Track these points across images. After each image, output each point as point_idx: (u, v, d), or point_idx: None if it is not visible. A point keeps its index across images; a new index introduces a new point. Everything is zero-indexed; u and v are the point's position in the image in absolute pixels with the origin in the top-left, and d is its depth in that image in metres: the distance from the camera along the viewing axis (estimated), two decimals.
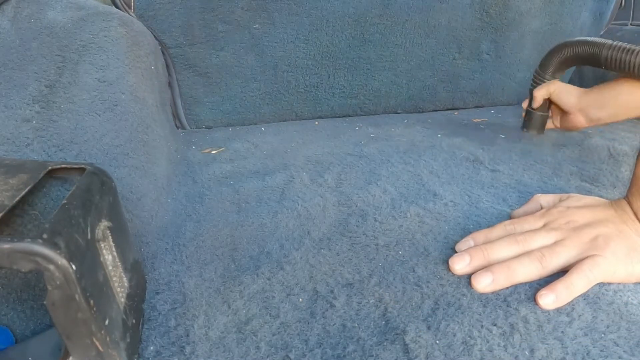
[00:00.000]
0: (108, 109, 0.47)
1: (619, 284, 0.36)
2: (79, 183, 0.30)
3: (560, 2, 0.97)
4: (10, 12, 0.49)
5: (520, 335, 0.31)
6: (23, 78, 0.44)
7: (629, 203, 0.40)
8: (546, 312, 0.33)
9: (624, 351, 0.30)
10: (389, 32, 0.87)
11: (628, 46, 0.60)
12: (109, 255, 0.30)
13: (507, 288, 0.36)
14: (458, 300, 0.35)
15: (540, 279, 0.37)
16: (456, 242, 0.42)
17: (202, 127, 0.87)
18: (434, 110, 1.02)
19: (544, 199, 0.47)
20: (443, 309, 0.34)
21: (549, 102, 0.75)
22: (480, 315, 0.33)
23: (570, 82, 1.09)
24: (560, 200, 0.45)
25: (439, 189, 0.55)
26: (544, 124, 0.78)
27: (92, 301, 0.25)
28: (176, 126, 0.84)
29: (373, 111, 0.97)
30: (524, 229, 0.41)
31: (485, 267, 0.37)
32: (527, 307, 0.34)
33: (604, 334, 0.31)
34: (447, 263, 0.39)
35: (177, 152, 0.69)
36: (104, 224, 0.30)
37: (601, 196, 0.47)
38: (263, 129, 0.85)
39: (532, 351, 0.30)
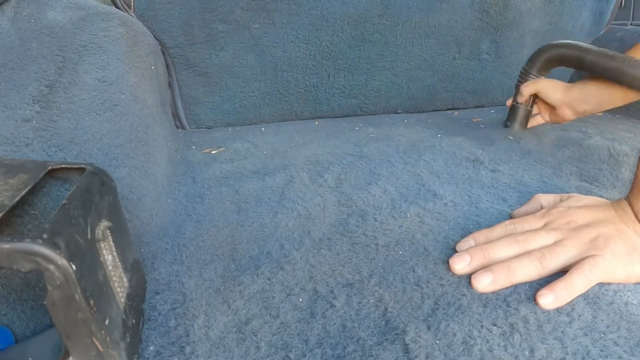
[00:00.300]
0: (108, 109, 0.47)
1: (619, 284, 0.36)
2: (79, 183, 0.30)
3: (560, 2, 0.97)
4: (10, 12, 0.49)
5: (520, 335, 0.31)
6: (23, 78, 0.44)
7: (630, 204, 0.40)
8: (546, 312, 0.33)
9: (624, 351, 0.30)
10: (389, 32, 0.87)
11: (611, 53, 0.64)
12: (109, 255, 0.30)
13: (507, 288, 0.36)
14: (458, 300, 0.35)
15: (540, 279, 0.37)
16: (456, 242, 0.42)
17: (202, 127, 0.87)
18: (434, 110, 1.02)
19: (545, 198, 0.47)
20: (443, 309, 0.34)
21: (533, 98, 0.79)
22: (480, 315, 0.33)
23: (571, 79, 1.09)
24: (561, 200, 0.45)
25: (439, 189, 0.55)
26: (527, 118, 0.81)
27: (92, 301, 0.25)
28: (176, 126, 0.84)
29: (373, 111, 0.97)
30: (524, 229, 0.41)
31: (486, 267, 0.37)
32: (527, 307, 0.34)
33: (604, 334, 0.31)
34: (447, 263, 0.39)
35: (177, 152, 0.69)
36: (104, 224, 0.30)
37: (601, 196, 0.47)
38: (263, 129, 0.85)
39: (532, 351, 0.30)
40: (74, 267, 0.23)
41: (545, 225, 0.41)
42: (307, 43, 0.83)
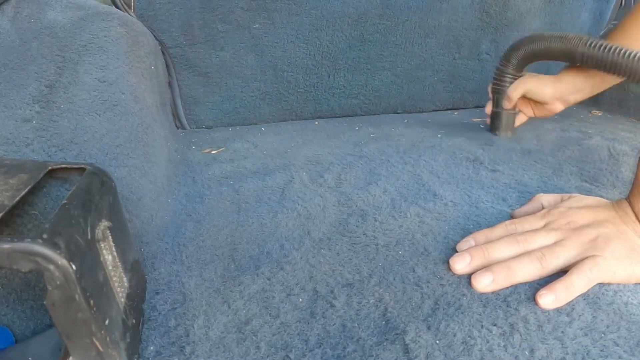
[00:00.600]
0: (108, 109, 0.47)
1: (619, 284, 0.36)
2: (79, 183, 0.30)
3: (560, 2, 0.97)
4: (10, 12, 0.49)
5: (520, 335, 0.31)
6: (23, 78, 0.44)
7: (630, 204, 0.40)
8: (546, 312, 0.33)
9: (624, 351, 0.30)
10: (389, 32, 0.87)
11: (605, 43, 0.57)
12: (109, 255, 0.30)
13: (507, 288, 0.36)
14: (458, 300, 0.35)
15: (540, 279, 0.37)
16: (456, 242, 0.42)
17: (202, 127, 0.87)
18: (434, 110, 1.02)
19: (546, 198, 0.47)
20: (443, 309, 0.34)
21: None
22: (480, 315, 0.33)
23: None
24: (562, 200, 0.45)
25: (439, 189, 0.55)
26: (514, 121, 0.77)
27: (92, 301, 0.25)
28: (176, 126, 0.84)
29: (373, 111, 0.97)
30: (524, 229, 0.41)
31: (486, 267, 0.37)
32: (527, 307, 0.34)
33: (604, 334, 0.31)
34: (447, 263, 0.39)
35: (177, 152, 0.69)
36: (104, 224, 0.30)
37: (601, 196, 0.47)
38: (263, 129, 0.85)
39: (532, 351, 0.30)
40: (74, 267, 0.23)
41: (545, 226, 0.41)
42: (307, 43, 0.83)
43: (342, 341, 0.32)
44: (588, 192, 0.54)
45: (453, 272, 0.38)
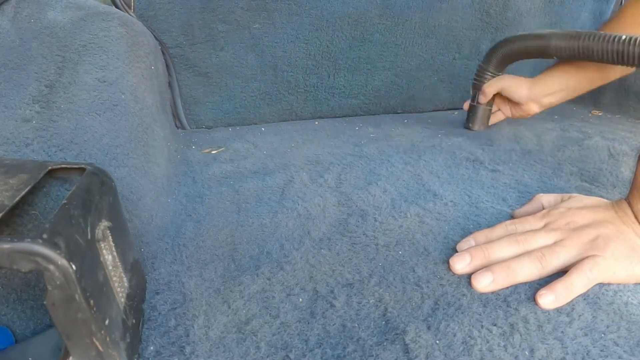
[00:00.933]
0: (108, 109, 0.47)
1: (619, 284, 0.36)
2: (79, 183, 0.30)
3: (560, 2, 0.97)
4: (10, 12, 0.49)
5: (520, 335, 0.31)
6: (23, 78, 0.44)
7: (630, 204, 0.40)
8: (546, 312, 0.33)
9: (624, 351, 0.30)
10: (389, 32, 0.87)
11: (574, 32, 0.60)
12: (109, 255, 0.30)
13: (507, 288, 0.36)
14: (458, 300, 0.35)
15: (540, 279, 0.37)
16: (456, 242, 0.42)
17: (202, 127, 0.87)
18: (434, 110, 1.02)
19: (546, 198, 0.47)
20: (443, 309, 0.34)
21: (493, 96, 0.77)
22: (480, 315, 0.33)
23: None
24: (562, 201, 0.45)
25: (439, 189, 0.55)
26: (488, 117, 0.81)
27: (92, 301, 0.25)
28: (176, 126, 0.84)
29: (373, 111, 0.97)
30: (524, 229, 0.41)
31: (486, 267, 0.37)
32: (527, 307, 0.34)
33: (604, 334, 0.31)
34: (447, 263, 0.39)
35: (177, 152, 0.69)
36: (104, 224, 0.30)
37: (601, 196, 0.47)
38: (263, 129, 0.85)
39: (532, 351, 0.30)
40: (74, 267, 0.23)
41: (545, 226, 0.41)
42: (307, 43, 0.83)
43: (342, 341, 0.32)
44: (588, 192, 0.54)
45: (453, 272, 0.38)
